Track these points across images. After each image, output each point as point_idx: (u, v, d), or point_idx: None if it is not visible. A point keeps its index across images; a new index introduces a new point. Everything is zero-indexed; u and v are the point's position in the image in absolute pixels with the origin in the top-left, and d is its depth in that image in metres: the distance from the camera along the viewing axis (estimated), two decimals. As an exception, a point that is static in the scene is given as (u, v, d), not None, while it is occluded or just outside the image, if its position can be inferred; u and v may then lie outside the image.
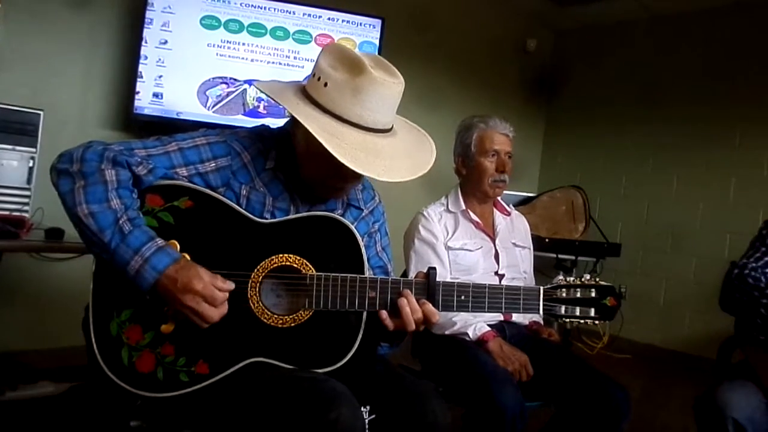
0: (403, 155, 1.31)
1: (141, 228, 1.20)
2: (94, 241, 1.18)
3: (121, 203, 1.19)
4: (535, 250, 2.32)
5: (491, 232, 2.18)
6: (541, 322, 2.22)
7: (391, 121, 1.34)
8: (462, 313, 1.96)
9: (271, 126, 1.47)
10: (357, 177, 1.34)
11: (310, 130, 1.21)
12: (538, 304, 1.38)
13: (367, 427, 1.24)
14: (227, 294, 1.23)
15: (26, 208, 2.38)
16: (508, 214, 2.27)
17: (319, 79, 1.29)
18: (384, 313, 1.31)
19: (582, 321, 1.39)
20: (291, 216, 1.36)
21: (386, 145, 1.29)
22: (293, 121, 1.37)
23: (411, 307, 1.30)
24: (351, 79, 1.25)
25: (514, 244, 2.20)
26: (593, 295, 1.39)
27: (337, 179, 1.34)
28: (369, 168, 1.23)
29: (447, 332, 1.97)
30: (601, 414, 1.75)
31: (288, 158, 1.39)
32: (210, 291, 1.19)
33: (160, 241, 1.20)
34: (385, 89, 1.27)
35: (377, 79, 1.26)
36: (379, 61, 1.31)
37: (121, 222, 1.18)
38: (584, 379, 1.82)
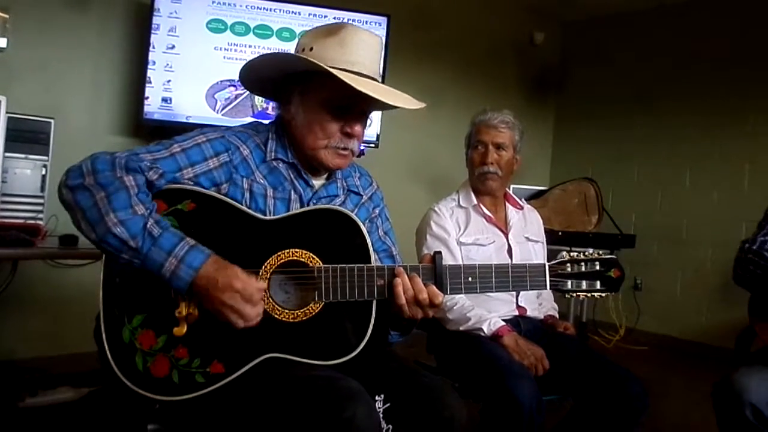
0: (398, 94, 1.42)
1: (169, 230, 1.20)
2: (123, 249, 1.17)
3: (146, 208, 1.19)
4: (548, 243, 2.30)
5: (504, 227, 2.16)
6: (557, 315, 2.20)
7: (378, 73, 1.42)
8: (476, 309, 1.96)
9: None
10: (359, 130, 1.41)
11: (318, 63, 1.30)
12: (545, 280, 1.41)
13: (382, 416, 1.24)
14: (263, 293, 1.24)
15: (40, 215, 2.41)
16: (521, 208, 2.25)
17: (303, 50, 1.38)
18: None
19: (590, 295, 1.43)
20: (293, 211, 1.37)
21: (381, 85, 1.41)
22: (285, 99, 1.43)
23: (415, 287, 1.30)
24: (334, 36, 1.36)
25: (527, 238, 2.19)
26: (597, 267, 1.43)
27: (341, 135, 1.39)
28: (377, 92, 1.31)
29: (462, 328, 1.96)
30: (619, 407, 1.74)
31: (284, 146, 1.43)
32: (250, 289, 1.20)
33: (190, 240, 1.21)
34: (368, 36, 1.39)
35: (358, 28, 1.39)
36: None
37: (149, 226, 1.18)
38: (601, 372, 1.81)
